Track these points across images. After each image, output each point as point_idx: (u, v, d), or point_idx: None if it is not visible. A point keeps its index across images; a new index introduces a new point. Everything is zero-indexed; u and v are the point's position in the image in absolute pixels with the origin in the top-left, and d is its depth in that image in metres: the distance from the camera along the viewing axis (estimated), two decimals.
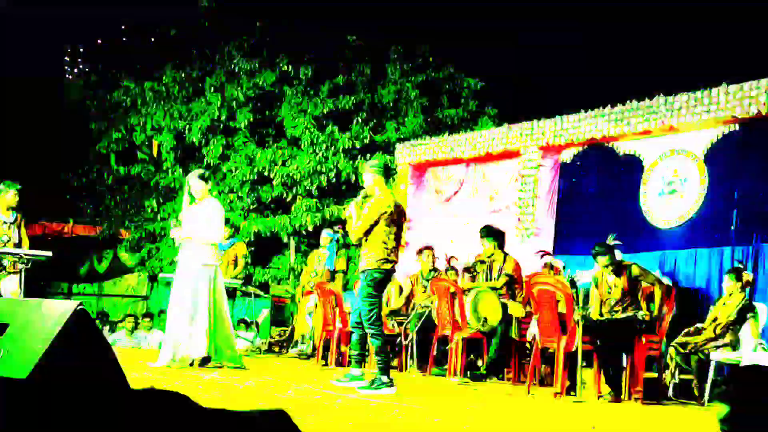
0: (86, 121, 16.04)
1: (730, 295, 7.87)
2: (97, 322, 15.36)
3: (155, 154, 15.63)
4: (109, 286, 18.11)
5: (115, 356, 2.98)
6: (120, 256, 17.64)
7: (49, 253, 8.57)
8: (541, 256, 9.83)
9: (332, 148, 14.19)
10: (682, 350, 7.89)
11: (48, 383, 2.81)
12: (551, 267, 9.41)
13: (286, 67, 14.59)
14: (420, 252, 10.40)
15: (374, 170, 7.10)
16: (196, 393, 5.68)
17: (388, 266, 6.95)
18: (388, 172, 7.73)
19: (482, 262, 9.35)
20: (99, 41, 18.36)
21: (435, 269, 10.19)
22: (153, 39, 15.79)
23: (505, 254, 9.10)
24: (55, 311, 2.98)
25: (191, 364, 7.69)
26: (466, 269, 10.15)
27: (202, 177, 8.16)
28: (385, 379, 6.68)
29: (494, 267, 9.11)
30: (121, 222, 16.17)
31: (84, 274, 18.56)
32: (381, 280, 6.98)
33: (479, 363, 8.90)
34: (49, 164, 16.63)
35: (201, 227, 7.90)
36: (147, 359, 7.98)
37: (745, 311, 7.70)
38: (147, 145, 15.80)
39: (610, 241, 8.50)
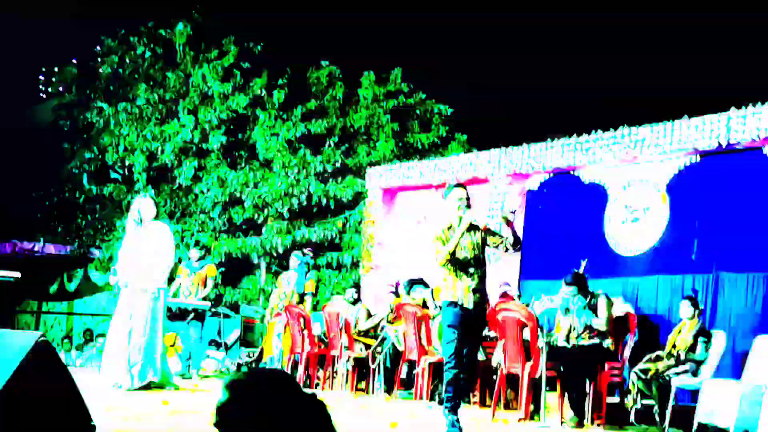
0: (58, 140, 15.92)
1: (686, 322, 7.94)
2: (87, 336, 15.22)
3: (127, 174, 15.50)
4: (79, 304, 17.87)
5: (76, 387, 2.92)
6: (91, 274, 17.44)
7: (17, 274, 8.41)
8: (500, 286, 9.88)
9: (304, 171, 14.18)
10: (643, 376, 7.92)
11: (9, 414, 2.75)
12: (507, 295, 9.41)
13: (259, 90, 14.59)
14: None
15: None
16: (166, 418, 5.60)
17: None
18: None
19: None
20: (74, 61, 18.20)
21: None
22: (127, 59, 15.67)
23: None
24: (17, 342, 2.92)
25: (144, 386, 7.65)
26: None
27: (154, 200, 8.19)
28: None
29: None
30: (92, 241, 16.01)
31: (54, 293, 18.29)
32: None
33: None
34: (19, 183, 16.42)
35: (148, 257, 7.83)
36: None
37: (698, 336, 7.77)
38: (119, 166, 15.68)
39: (582, 268, 8.55)
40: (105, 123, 15.21)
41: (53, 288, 18.19)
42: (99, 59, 16.25)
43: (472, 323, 6.30)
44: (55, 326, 17.28)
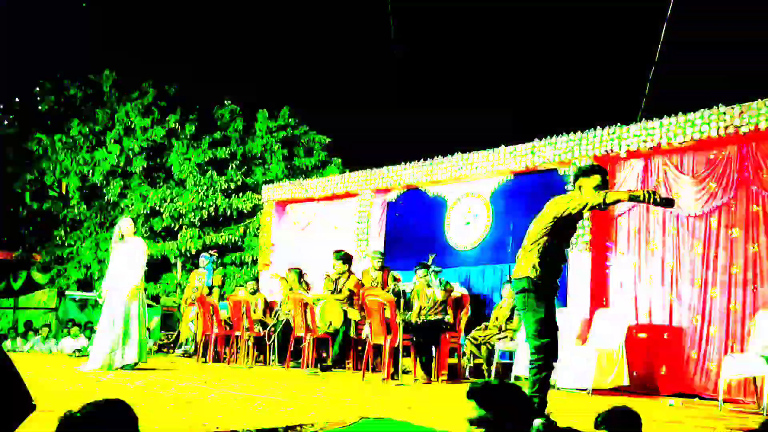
0: (3, 165, 14.99)
1: (505, 300, 8.24)
2: (28, 326, 14.31)
3: (63, 193, 14.72)
4: (23, 300, 16.82)
5: (15, 372, 2.70)
6: (33, 275, 16.44)
7: None
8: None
9: (211, 189, 13.87)
10: (474, 342, 8.17)
11: None
12: (394, 278, 9.45)
13: (174, 124, 14.16)
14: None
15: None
16: (93, 393, 5.34)
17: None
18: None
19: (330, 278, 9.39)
20: (16, 99, 17.13)
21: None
22: (62, 99, 14.89)
23: (350, 273, 9.17)
24: None
25: (122, 368, 7.44)
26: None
27: (133, 220, 8.20)
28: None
29: (340, 282, 9.16)
30: (34, 248, 15.14)
31: (2, 291, 17.15)
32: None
33: (326, 357, 8.86)
34: None
35: (126, 265, 7.73)
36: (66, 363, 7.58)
37: (514, 310, 8.07)
38: (56, 186, 14.88)
39: (430, 260, 8.69)
40: (44, 151, 14.42)
41: (1, 287, 17.06)
42: (38, 98, 15.38)
43: None
44: (3, 319, 16.18)
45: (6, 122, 16.62)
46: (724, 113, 7.11)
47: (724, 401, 6.08)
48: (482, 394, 2.11)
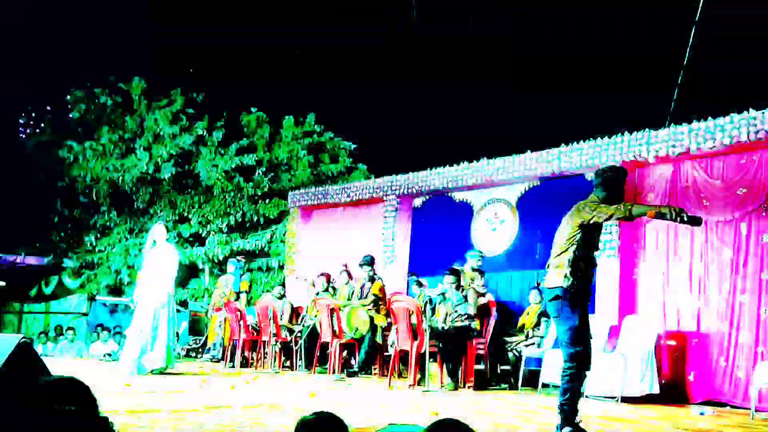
0: (36, 172, 15.30)
1: (532, 306, 8.21)
2: (58, 330, 14.59)
3: (94, 199, 14.97)
4: (54, 304, 17.13)
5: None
6: (64, 280, 16.73)
7: (2, 283, 8.07)
8: (412, 277, 10.01)
9: (238, 195, 14.01)
10: (501, 349, 8.15)
11: None
12: (420, 284, 9.47)
13: (201, 131, 14.34)
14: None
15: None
16: (125, 397, 5.44)
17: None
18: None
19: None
20: (48, 107, 17.49)
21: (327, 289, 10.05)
22: (93, 107, 15.15)
23: (376, 278, 9.24)
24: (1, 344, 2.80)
25: (151, 372, 7.55)
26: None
27: (166, 227, 8.21)
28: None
29: (365, 287, 9.21)
30: (65, 253, 15.41)
31: (33, 296, 17.48)
32: None
33: (352, 362, 8.90)
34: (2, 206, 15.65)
35: (157, 271, 7.82)
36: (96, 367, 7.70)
37: (540, 317, 8.04)
38: (87, 192, 15.14)
39: (457, 266, 8.69)
40: (75, 158, 14.70)
41: (33, 292, 17.39)
42: (69, 106, 15.69)
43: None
44: (34, 323, 16.49)
45: (38, 130, 16.99)
46: (755, 118, 7.03)
47: (756, 410, 6.00)
48: (310, 428, 2.16)
